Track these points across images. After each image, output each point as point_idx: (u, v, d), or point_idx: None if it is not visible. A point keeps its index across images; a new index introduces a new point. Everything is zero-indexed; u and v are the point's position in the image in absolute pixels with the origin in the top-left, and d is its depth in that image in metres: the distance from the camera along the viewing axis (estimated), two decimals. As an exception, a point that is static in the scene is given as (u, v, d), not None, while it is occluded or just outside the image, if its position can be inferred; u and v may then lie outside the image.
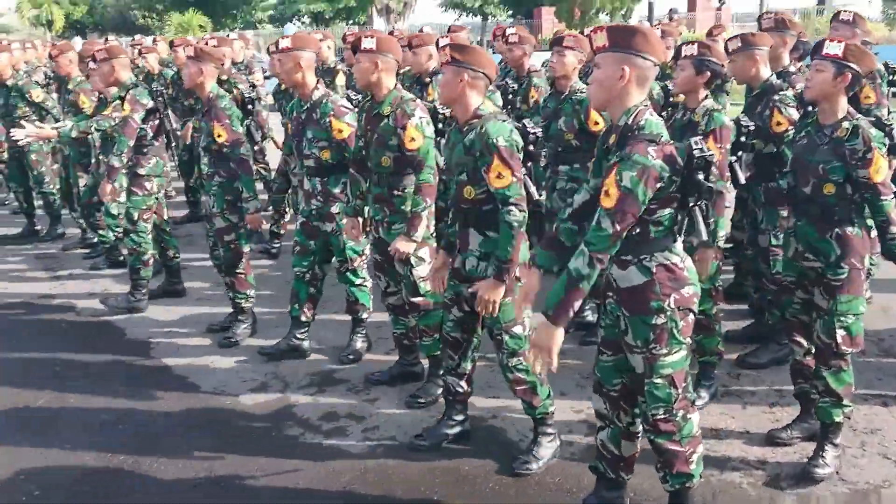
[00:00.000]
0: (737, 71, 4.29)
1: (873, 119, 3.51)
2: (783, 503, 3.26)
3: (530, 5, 35.46)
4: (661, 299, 2.67)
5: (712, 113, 3.76)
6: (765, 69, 4.20)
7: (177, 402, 4.31)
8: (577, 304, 2.58)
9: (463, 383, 3.67)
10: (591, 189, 2.86)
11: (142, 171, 5.51)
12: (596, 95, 2.72)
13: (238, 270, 5.02)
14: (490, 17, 44.07)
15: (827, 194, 3.26)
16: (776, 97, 4.10)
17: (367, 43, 3.91)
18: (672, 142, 2.64)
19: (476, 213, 3.33)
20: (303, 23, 44.51)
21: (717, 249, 3.85)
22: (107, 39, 10.49)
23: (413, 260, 3.96)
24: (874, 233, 3.37)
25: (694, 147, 2.58)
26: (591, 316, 4.93)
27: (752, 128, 3.93)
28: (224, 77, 6.75)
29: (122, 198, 5.56)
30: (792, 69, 4.63)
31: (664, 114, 4.13)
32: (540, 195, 3.56)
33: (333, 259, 4.61)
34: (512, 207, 3.16)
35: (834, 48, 3.18)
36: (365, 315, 4.71)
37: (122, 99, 5.43)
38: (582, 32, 6.43)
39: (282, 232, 6.94)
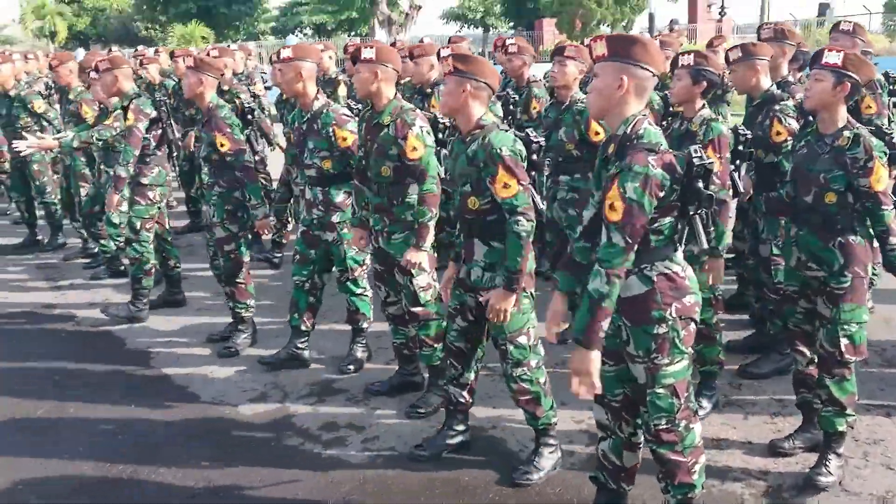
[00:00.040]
0: (737, 81, 4.29)
1: (873, 128, 3.51)
2: (785, 514, 3.25)
3: (532, 17, 35.59)
4: (663, 309, 2.66)
5: (710, 123, 3.76)
6: (765, 79, 4.20)
7: (176, 412, 4.29)
8: (605, 323, 2.56)
9: (465, 394, 3.66)
10: (596, 204, 2.85)
11: (145, 181, 5.52)
12: (594, 104, 2.73)
13: (238, 280, 5.02)
14: (492, 28, 44.22)
15: (828, 203, 3.25)
16: (777, 107, 4.10)
17: (367, 53, 3.92)
18: (671, 150, 2.63)
19: (480, 224, 3.33)
20: (305, 34, 44.66)
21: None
22: (110, 50, 10.52)
23: (413, 269, 3.95)
24: (876, 242, 3.36)
25: (693, 155, 2.58)
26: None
27: (749, 136, 3.93)
28: (226, 87, 6.77)
29: (125, 207, 5.57)
30: (791, 79, 4.64)
31: (664, 123, 4.13)
32: (542, 205, 3.56)
33: (334, 269, 4.60)
34: (520, 217, 3.16)
35: (833, 57, 3.19)
36: (365, 325, 4.70)
37: (125, 109, 5.45)
38: (583, 43, 6.45)
39: (284, 242, 6.94)
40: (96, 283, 6.68)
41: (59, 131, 6.84)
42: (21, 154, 6.45)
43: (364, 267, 4.55)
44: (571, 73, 4.69)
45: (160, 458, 3.80)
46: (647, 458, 2.95)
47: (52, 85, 7.73)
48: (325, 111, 4.34)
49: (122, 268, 6.64)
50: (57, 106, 7.59)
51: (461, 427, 3.73)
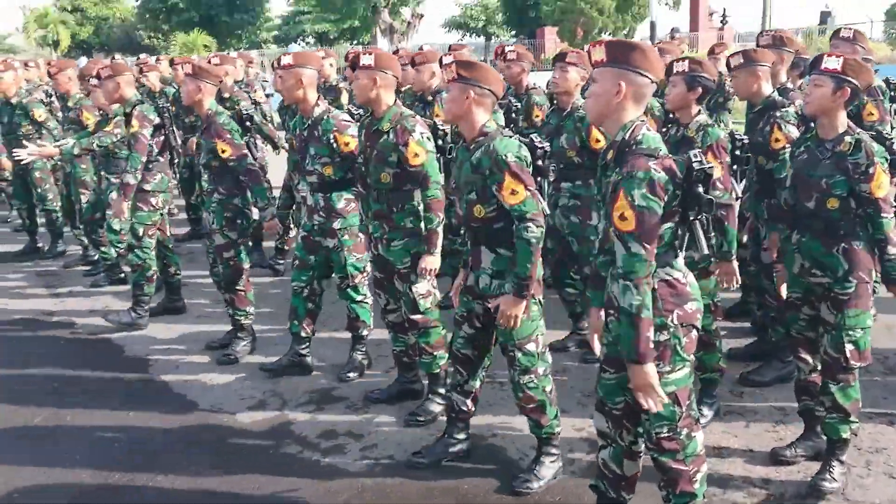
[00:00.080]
0: (739, 87, 4.28)
1: (873, 133, 3.50)
2: (788, 523, 3.22)
3: (533, 25, 35.71)
4: (664, 315, 2.64)
5: (707, 128, 3.75)
6: (766, 85, 4.20)
7: (175, 420, 4.27)
8: (651, 333, 2.54)
9: (468, 402, 3.63)
10: (604, 217, 2.83)
11: (147, 187, 5.52)
12: (592, 109, 2.72)
13: (238, 287, 5.01)
14: (493, 37, 44.34)
15: (831, 209, 3.24)
16: (777, 114, 4.09)
17: (366, 59, 3.91)
18: (670, 156, 2.62)
19: (486, 232, 3.31)
20: (307, 43, 44.83)
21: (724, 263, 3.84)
22: (113, 59, 10.57)
23: (412, 277, 3.94)
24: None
25: (693, 160, 2.56)
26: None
27: (745, 142, 3.93)
28: (226, 95, 6.78)
29: (127, 213, 5.56)
30: (790, 86, 4.63)
31: (664, 130, 4.12)
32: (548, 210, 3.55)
33: (334, 275, 4.59)
34: (529, 223, 3.14)
35: (832, 63, 3.18)
36: (365, 332, 4.69)
37: (128, 115, 5.45)
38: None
39: (287, 248, 6.93)
40: (96, 291, 6.67)
41: (55, 139, 6.84)
42: (22, 162, 6.45)
43: (365, 274, 4.54)
44: (573, 79, 4.68)
45: (158, 466, 3.78)
46: (648, 467, 2.92)
47: (53, 92, 7.75)
48: (325, 117, 4.34)
49: (123, 275, 6.64)
50: (59, 114, 7.60)
51: (462, 435, 3.70)
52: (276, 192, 7.13)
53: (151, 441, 4.07)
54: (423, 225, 3.88)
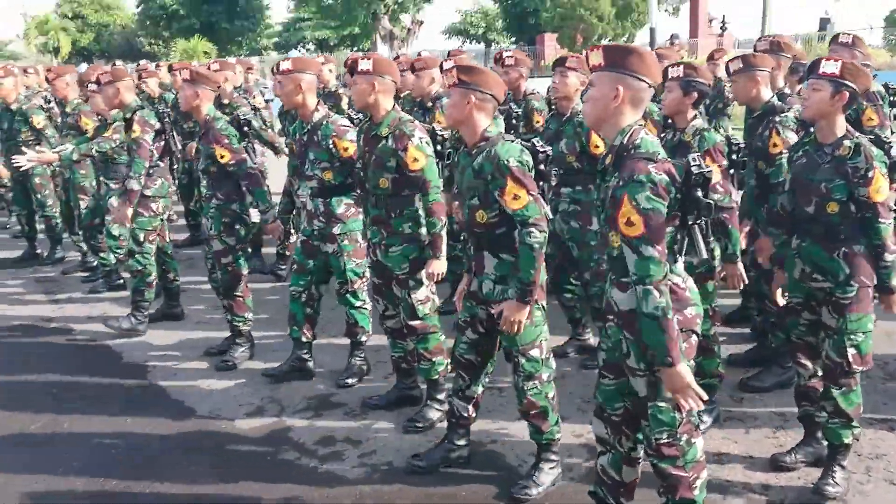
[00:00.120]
0: (738, 92, 4.28)
1: (872, 137, 3.49)
2: (788, 530, 3.20)
3: (533, 32, 35.78)
4: (664, 320, 2.63)
5: (703, 133, 3.74)
6: (766, 90, 4.20)
7: (173, 426, 4.26)
8: (677, 333, 2.52)
9: (470, 408, 3.61)
10: (603, 223, 2.81)
11: (148, 192, 5.51)
12: (590, 113, 2.72)
13: (236, 293, 4.99)
14: (493, 43, 44.39)
15: (831, 213, 3.23)
16: (776, 119, 4.09)
17: (364, 65, 3.91)
18: (669, 160, 2.61)
19: (489, 237, 3.30)
20: (308, 49, 44.88)
21: (722, 266, 3.83)
22: (113, 65, 10.56)
23: (411, 282, 3.93)
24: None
25: (692, 163, 2.56)
26: (591, 339, 4.88)
27: (742, 147, 3.93)
28: (226, 101, 6.78)
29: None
30: (787, 91, 4.63)
31: (663, 135, 4.12)
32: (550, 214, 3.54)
33: (333, 280, 4.57)
34: (532, 228, 3.13)
35: (830, 67, 3.17)
36: (364, 338, 4.67)
37: (129, 121, 5.45)
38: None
39: (288, 254, 6.92)
40: (94, 297, 6.66)
41: (52, 146, 6.83)
42: (21, 168, 6.45)
43: (364, 279, 4.53)
44: (573, 84, 4.67)
45: (156, 472, 3.77)
46: (647, 473, 2.91)
47: (52, 98, 7.75)
48: (325, 122, 4.33)
49: (121, 281, 6.63)
50: (58, 119, 7.60)
51: (462, 442, 3.69)
52: (276, 198, 7.17)
53: (149, 447, 4.05)
54: (426, 230, 3.87)
